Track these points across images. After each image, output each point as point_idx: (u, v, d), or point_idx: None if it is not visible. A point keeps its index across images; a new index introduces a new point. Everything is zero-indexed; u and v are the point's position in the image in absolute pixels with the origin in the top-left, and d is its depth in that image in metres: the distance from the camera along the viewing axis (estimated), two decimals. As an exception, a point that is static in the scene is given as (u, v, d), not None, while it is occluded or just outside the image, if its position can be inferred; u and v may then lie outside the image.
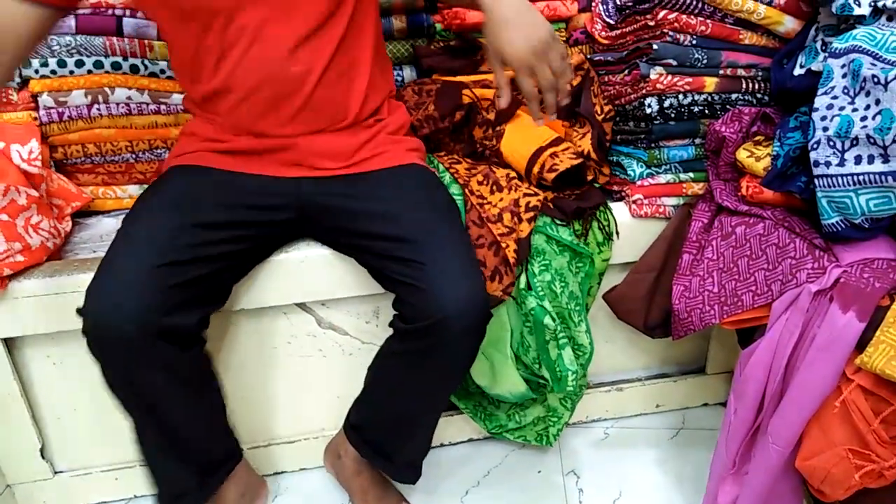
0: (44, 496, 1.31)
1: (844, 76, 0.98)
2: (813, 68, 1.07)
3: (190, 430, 1.08)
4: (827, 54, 1.01)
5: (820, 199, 1.00)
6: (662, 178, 1.26)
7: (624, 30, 1.24)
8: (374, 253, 1.07)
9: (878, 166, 0.93)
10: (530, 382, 1.25)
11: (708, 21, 1.16)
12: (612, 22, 1.27)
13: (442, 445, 1.44)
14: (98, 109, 1.29)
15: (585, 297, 1.26)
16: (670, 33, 1.16)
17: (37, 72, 1.25)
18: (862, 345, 0.90)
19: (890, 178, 0.92)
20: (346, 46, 1.07)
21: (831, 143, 0.97)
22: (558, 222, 1.21)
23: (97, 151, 1.33)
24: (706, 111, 1.21)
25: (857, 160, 0.94)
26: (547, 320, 1.14)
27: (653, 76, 1.18)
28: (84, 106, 1.28)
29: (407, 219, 1.04)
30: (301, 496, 1.35)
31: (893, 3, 0.97)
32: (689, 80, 1.19)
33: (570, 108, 1.34)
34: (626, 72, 1.25)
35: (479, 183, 1.21)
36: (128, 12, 1.24)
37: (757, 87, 1.22)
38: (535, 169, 1.21)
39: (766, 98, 1.23)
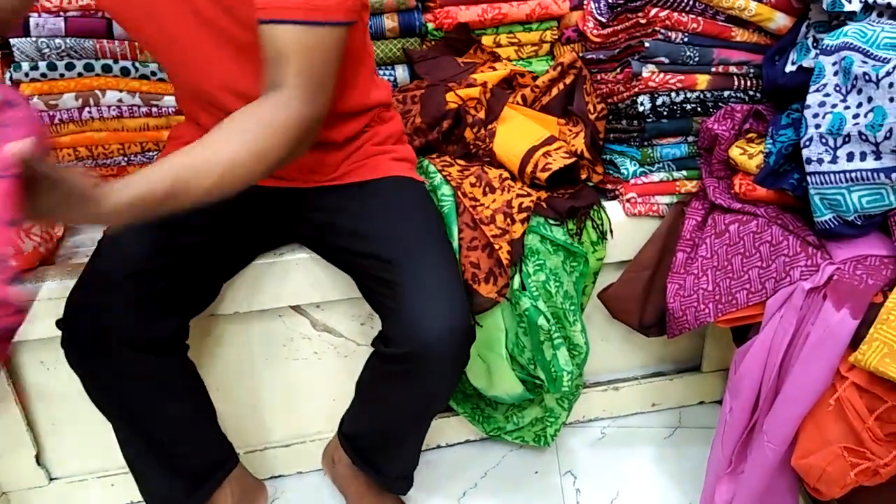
0: (40, 503, 1.31)
1: (836, 73, 0.98)
2: (804, 65, 1.06)
3: (175, 438, 1.07)
4: (818, 51, 1.01)
5: (812, 197, 1.00)
6: (656, 177, 1.26)
7: (616, 28, 1.24)
8: (356, 270, 1.05)
9: (870, 163, 0.93)
10: (527, 383, 1.25)
11: (699, 18, 1.15)
12: (603, 20, 1.27)
13: (439, 447, 1.44)
14: (89, 112, 1.28)
15: (580, 296, 1.26)
16: (662, 31, 1.15)
17: (27, 75, 1.24)
18: (856, 342, 0.90)
19: (882, 174, 0.92)
20: None
21: (823, 141, 0.97)
22: (552, 222, 1.20)
23: (89, 154, 1.33)
24: (699, 109, 1.21)
25: (850, 157, 0.94)
26: (541, 321, 1.14)
27: (645, 74, 1.18)
28: (75, 109, 1.28)
29: (385, 237, 1.00)
30: (299, 499, 1.35)
31: (884, -1, 0.97)
32: (682, 77, 1.18)
33: (564, 107, 1.34)
34: (618, 70, 1.25)
35: (472, 185, 1.20)
36: (118, 15, 1.24)
37: (749, 84, 1.22)
38: (529, 168, 1.21)
39: (758, 95, 1.22)
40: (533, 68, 1.45)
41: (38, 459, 1.27)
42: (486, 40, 1.44)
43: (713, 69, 1.20)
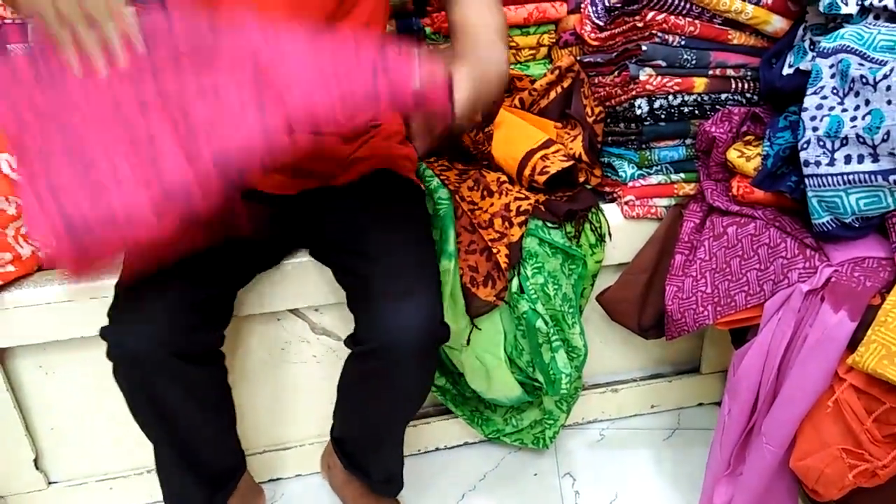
0: (38, 507, 1.31)
1: (833, 76, 0.98)
2: (802, 68, 1.07)
3: (207, 446, 1.07)
4: (815, 54, 1.01)
5: (810, 199, 1.00)
6: (654, 179, 1.26)
7: (613, 31, 1.24)
8: (337, 265, 1.06)
9: (867, 166, 0.93)
10: (525, 386, 1.25)
11: (696, 22, 1.16)
12: (601, 23, 1.27)
13: (437, 449, 1.44)
14: (87, 117, 1.28)
15: (579, 299, 1.26)
16: (659, 34, 1.16)
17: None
18: (854, 344, 0.90)
19: (880, 177, 0.92)
20: None
21: (821, 143, 0.97)
22: (550, 225, 1.20)
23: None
24: (696, 112, 1.22)
25: (847, 160, 0.95)
26: (539, 324, 1.14)
27: (642, 77, 1.18)
28: (73, 114, 1.28)
29: (372, 236, 1.01)
30: (298, 502, 1.35)
31: (880, 1, 0.97)
32: (679, 80, 1.19)
33: (562, 110, 1.34)
34: (615, 73, 1.25)
35: (470, 189, 1.20)
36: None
37: (746, 86, 1.22)
38: (527, 171, 1.21)
39: (756, 98, 1.23)
40: (531, 72, 1.45)
41: (37, 463, 1.27)
42: (484, 43, 1.44)
43: (710, 72, 1.20)
